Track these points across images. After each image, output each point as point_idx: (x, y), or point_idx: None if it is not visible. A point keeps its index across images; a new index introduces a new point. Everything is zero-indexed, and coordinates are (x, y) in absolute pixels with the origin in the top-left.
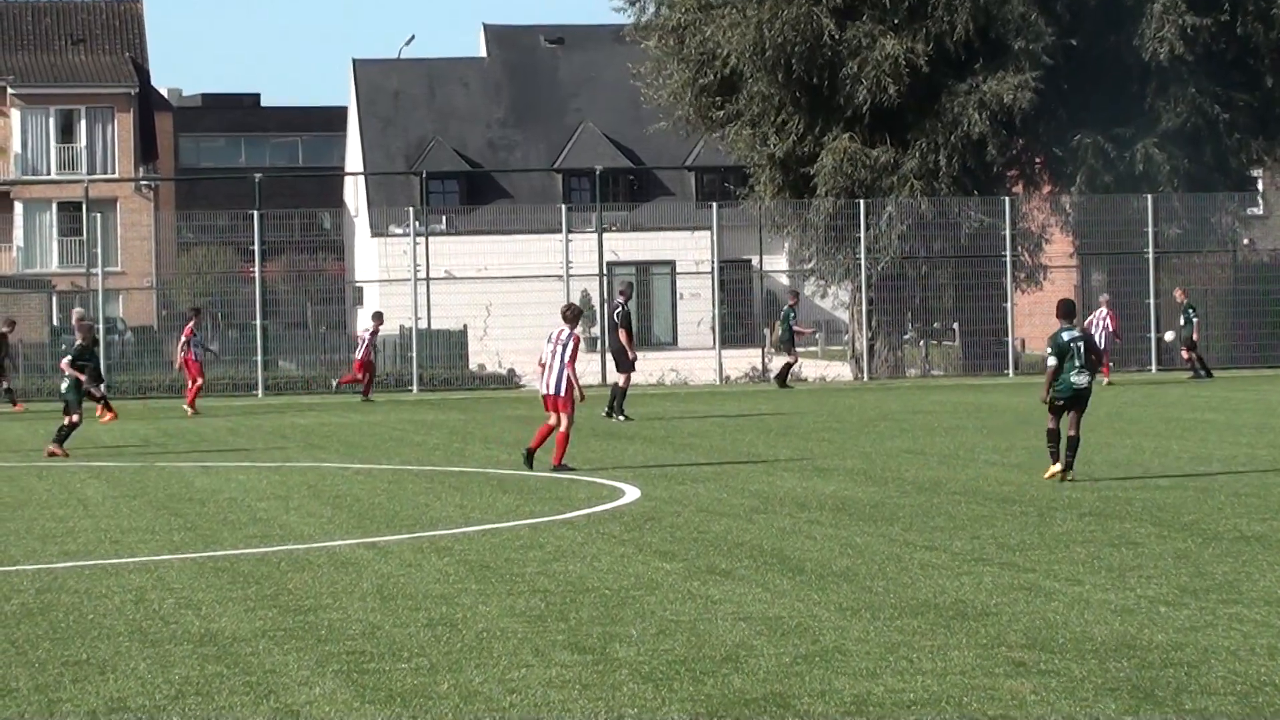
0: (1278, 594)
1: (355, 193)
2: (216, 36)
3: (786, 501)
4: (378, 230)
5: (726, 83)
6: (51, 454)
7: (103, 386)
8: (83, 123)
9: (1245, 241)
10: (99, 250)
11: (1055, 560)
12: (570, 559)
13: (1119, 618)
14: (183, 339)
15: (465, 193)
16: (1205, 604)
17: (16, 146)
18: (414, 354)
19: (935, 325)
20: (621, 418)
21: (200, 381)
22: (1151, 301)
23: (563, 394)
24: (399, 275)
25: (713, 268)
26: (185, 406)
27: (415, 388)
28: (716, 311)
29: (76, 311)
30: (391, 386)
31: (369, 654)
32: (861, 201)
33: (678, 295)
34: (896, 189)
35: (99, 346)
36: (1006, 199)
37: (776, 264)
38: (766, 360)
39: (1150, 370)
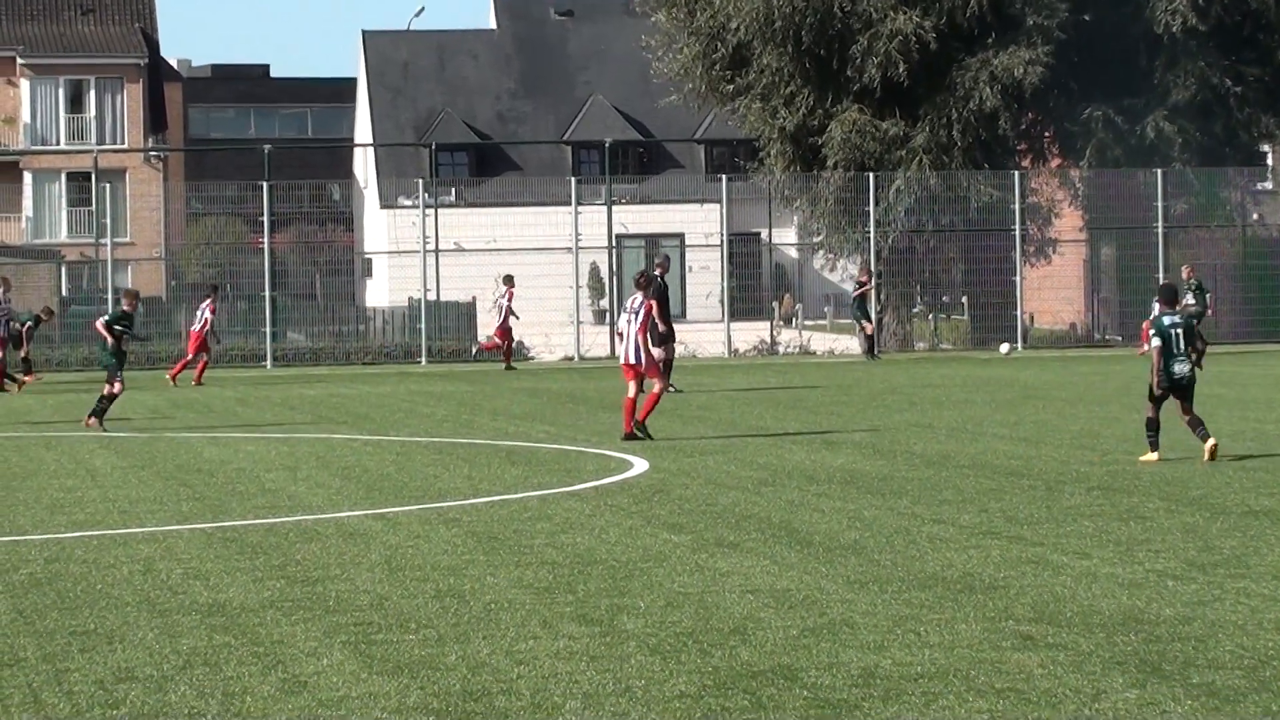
0: None
1: (364, 164)
2: (226, 7)
3: (795, 474)
4: (387, 202)
5: (737, 56)
6: (88, 425)
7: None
8: (92, 93)
9: (1255, 216)
10: (108, 221)
11: (1063, 534)
12: (578, 531)
13: (1126, 591)
14: (210, 316)
15: (474, 165)
16: (1213, 578)
17: (26, 116)
18: (422, 326)
19: (944, 299)
20: (672, 388)
21: (205, 359)
22: (1160, 276)
23: (642, 361)
24: (408, 247)
25: (722, 241)
26: (168, 377)
27: (424, 359)
28: (725, 284)
29: (130, 291)
30: (400, 358)
31: (377, 625)
32: (871, 175)
33: (687, 268)
34: (906, 162)
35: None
36: (1016, 173)
37: (786, 237)
38: (775, 333)
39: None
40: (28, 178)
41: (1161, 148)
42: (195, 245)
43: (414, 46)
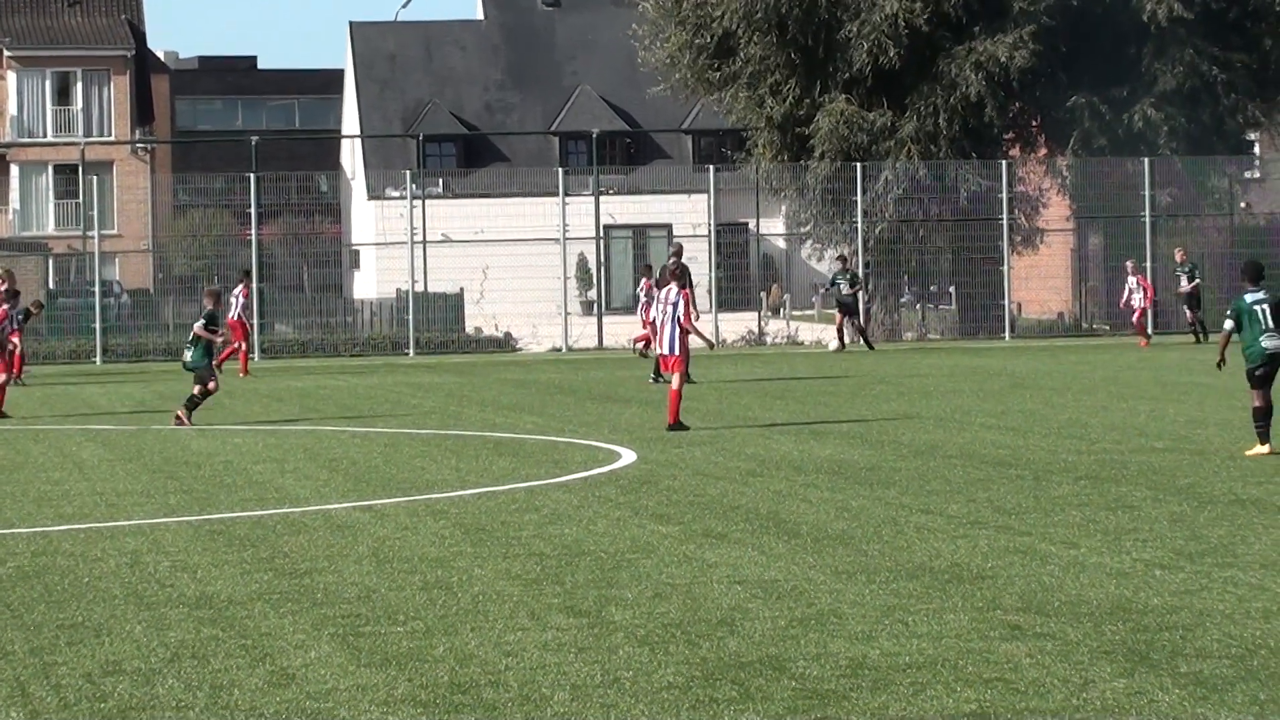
0: (1273, 557)
1: (352, 155)
2: None
3: (782, 465)
4: (374, 193)
5: (723, 45)
6: (179, 420)
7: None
8: (79, 85)
9: (1243, 205)
10: (95, 213)
11: (1051, 524)
12: (566, 522)
13: (1114, 581)
14: (241, 301)
15: (462, 155)
16: (1201, 567)
17: (12, 109)
18: (410, 317)
19: (932, 288)
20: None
21: (245, 346)
22: (1149, 265)
23: (676, 353)
24: (395, 238)
25: (709, 231)
26: (238, 373)
27: (412, 351)
28: (713, 275)
29: (213, 290)
30: (388, 350)
31: (365, 617)
32: (859, 165)
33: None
34: (894, 152)
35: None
36: (1004, 162)
37: (774, 227)
38: (763, 324)
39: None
40: (14, 170)
41: (1148, 136)
42: (182, 237)
43: (401, 38)
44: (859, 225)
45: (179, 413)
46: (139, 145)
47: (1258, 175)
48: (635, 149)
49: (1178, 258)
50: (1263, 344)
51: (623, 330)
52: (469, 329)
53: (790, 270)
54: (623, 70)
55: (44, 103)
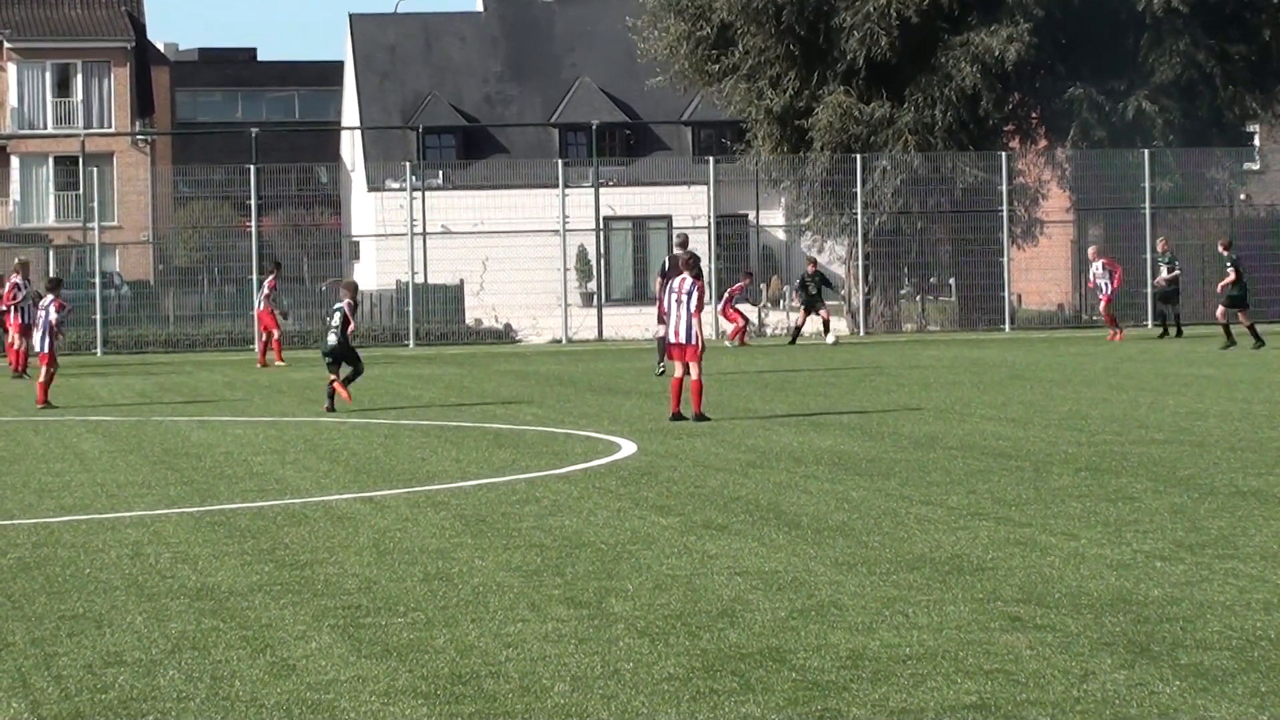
0: (1273, 548)
1: (352, 147)
2: None
3: (782, 456)
4: (374, 185)
5: (722, 36)
6: (330, 405)
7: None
8: (79, 76)
9: (1242, 197)
10: (95, 205)
11: (1051, 515)
12: (566, 514)
13: (1115, 572)
14: (266, 291)
15: (462, 147)
16: (1201, 559)
17: (13, 100)
18: (410, 309)
19: (932, 280)
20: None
21: (277, 334)
22: (1148, 256)
23: (693, 343)
24: (395, 230)
25: (709, 223)
26: (275, 360)
27: (412, 342)
28: (713, 267)
29: (348, 282)
30: (387, 341)
31: (365, 608)
32: (858, 157)
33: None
34: (891, 143)
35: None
36: (1003, 154)
37: (773, 219)
38: (762, 315)
39: (1146, 325)
40: (15, 162)
41: (1145, 127)
42: (183, 229)
43: (401, 29)
44: (859, 217)
45: (337, 387)
46: (139, 137)
47: (1256, 167)
48: (635, 141)
49: (1159, 247)
50: None
51: (623, 322)
52: (469, 320)
53: (790, 262)
54: (622, 62)
55: (44, 94)
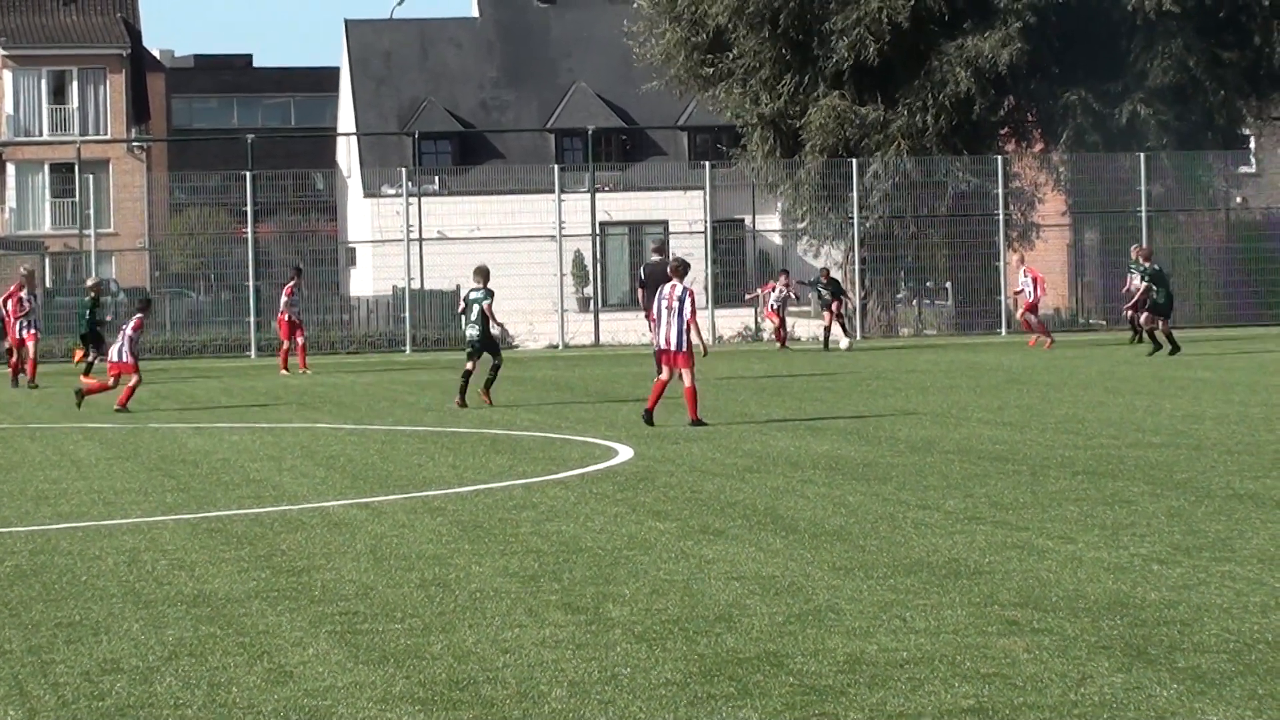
0: (1270, 551)
1: (348, 153)
2: None
3: (779, 461)
4: (370, 191)
5: (717, 41)
6: (484, 401)
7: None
8: (75, 84)
9: (1238, 200)
10: (91, 212)
11: (1048, 519)
12: (563, 519)
13: (1112, 576)
14: (284, 298)
15: (458, 153)
16: (1198, 562)
17: (8, 108)
18: (406, 315)
19: (928, 284)
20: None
21: (301, 341)
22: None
23: (685, 349)
24: (391, 236)
25: (706, 227)
26: (298, 369)
27: (408, 348)
28: (709, 271)
29: (481, 268)
30: (384, 347)
31: (362, 614)
32: (854, 161)
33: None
34: (884, 147)
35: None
36: (998, 158)
37: (769, 224)
38: (759, 320)
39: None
40: (10, 169)
41: (1139, 131)
42: (179, 236)
43: (397, 35)
44: (854, 221)
45: (482, 396)
46: (135, 144)
47: (1252, 170)
48: (631, 146)
49: (1133, 254)
50: None
51: (619, 327)
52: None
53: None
54: (618, 67)
55: (40, 101)
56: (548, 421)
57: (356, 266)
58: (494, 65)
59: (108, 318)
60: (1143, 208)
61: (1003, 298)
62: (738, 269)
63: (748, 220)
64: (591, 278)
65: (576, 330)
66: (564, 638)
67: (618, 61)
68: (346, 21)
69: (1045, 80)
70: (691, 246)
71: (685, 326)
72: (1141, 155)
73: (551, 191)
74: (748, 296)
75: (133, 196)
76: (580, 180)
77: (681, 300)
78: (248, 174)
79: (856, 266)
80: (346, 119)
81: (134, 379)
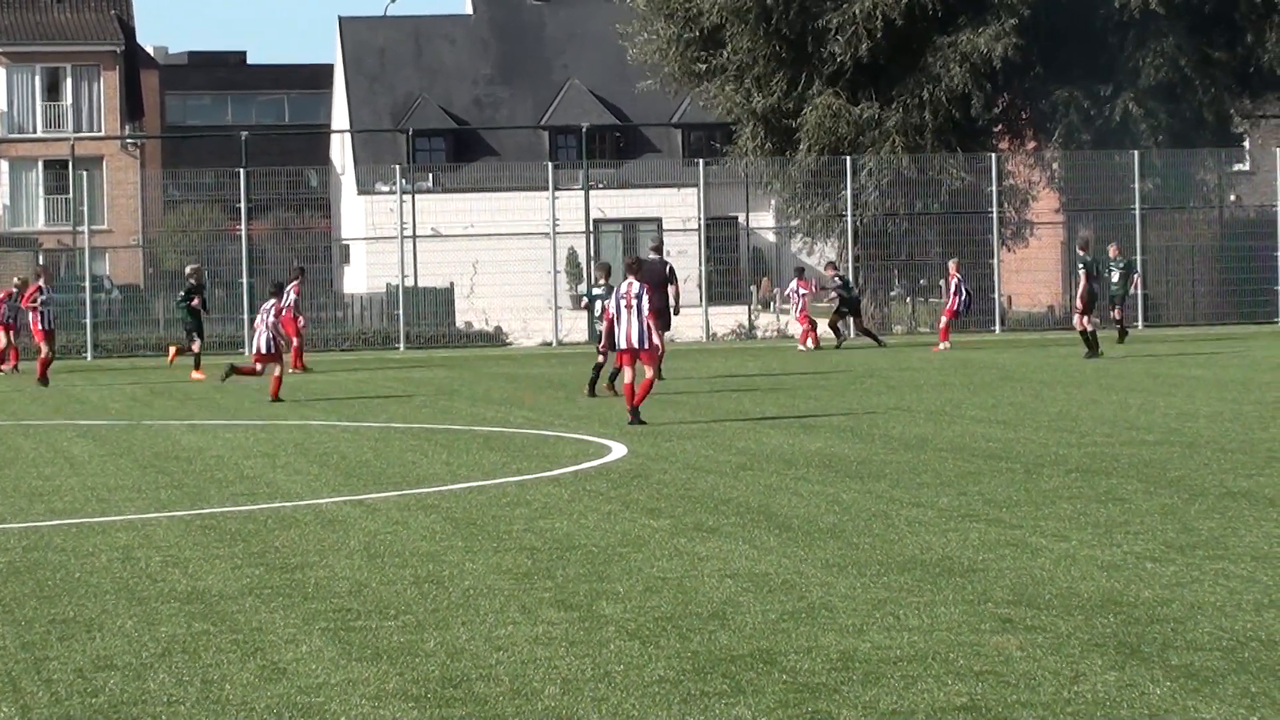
0: (1264, 549)
1: (342, 150)
2: None
3: (773, 458)
4: (364, 188)
5: (711, 38)
6: (609, 389)
7: None
8: (68, 80)
9: (1232, 198)
10: (85, 208)
11: (1042, 516)
12: (557, 516)
13: (1105, 574)
14: (292, 296)
15: (452, 150)
16: (1191, 560)
17: (2, 104)
18: (400, 312)
19: (922, 282)
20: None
21: (296, 342)
22: (1138, 258)
23: (646, 346)
24: (385, 233)
25: (699, 225)
26: (290, 368)
27: (402, 345)
28: (703, 269)
29: (603, 264)
30: (378, 344)
31: (356, 611)
32: (848, 158)
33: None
34: (878, 145)
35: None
36: (992, 156)
37: (763, 221)
38: (753, 318)
39: (1137, 327)
40: (4, 166)
41: (1130, 129)
42: (173, 232)
43: (391, 32)
44: (848, 218)
45: (601, 387)
46: (129, 140)
47: (1246, 168)
48: (625, 143)
49: (1111, 253)
50: None
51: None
52: (459, 323)
53: (780, 264)
54: (612, 64)
55: (34, 98)
56: (541, 419)
57: (350, 263)
58: (488, 62)
59: (204, 308)
60: (1136, 205)
61: (996, 295)
62: (731, 266)
63: (741, 218)
64: (585, 275)
65: (570, 327)
66: (557, 635)
67: (612, 59)
68: (341, 18)
69: (1037, 78)
70: (685, 244)
71: (645, 324)
72: (1135, 153)
73: (545, 189)
74: (781, 295)
75: (127, 193)
76: (574, 177)
77: (639, 298)
78: (242, 171)
79: (850, 264)
80: (340, 116)
81: (276, 368)
